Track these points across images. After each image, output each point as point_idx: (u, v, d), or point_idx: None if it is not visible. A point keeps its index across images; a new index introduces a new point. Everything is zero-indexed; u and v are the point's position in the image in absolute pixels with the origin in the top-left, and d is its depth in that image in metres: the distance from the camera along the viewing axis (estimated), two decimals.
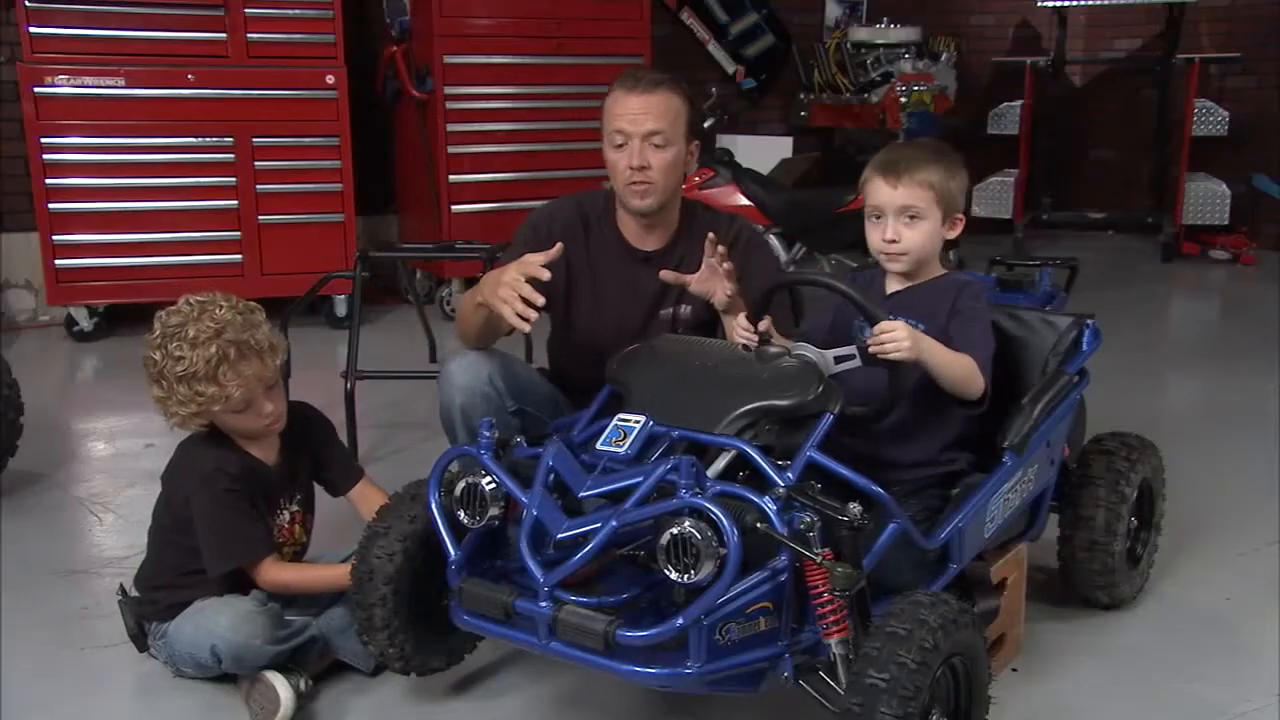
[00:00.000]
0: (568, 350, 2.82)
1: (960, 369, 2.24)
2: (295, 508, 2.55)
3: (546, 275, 2.41)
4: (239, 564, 2.38)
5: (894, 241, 2.32)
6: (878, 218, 2.35)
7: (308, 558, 2.61)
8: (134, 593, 2.52)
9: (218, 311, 2.36)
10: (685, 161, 2.69)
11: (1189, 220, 7.43)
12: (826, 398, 2.08)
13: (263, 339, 2.39)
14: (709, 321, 2.81)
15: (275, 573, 2.40)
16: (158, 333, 2.37)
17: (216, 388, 2.32)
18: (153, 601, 2.46)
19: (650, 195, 2.64)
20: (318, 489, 2.66)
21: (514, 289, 2.38)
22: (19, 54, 5.24)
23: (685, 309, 2.76)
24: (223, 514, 2.37)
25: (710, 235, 2.49)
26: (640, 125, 2.61)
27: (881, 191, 2.33)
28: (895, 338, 2.09)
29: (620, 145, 2.63)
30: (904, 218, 2.32)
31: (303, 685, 2.32)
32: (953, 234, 2.36)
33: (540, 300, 2.39)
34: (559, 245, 2.50)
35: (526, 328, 2.41)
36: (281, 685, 2.27)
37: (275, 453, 2.50)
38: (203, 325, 2.33)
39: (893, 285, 2.41)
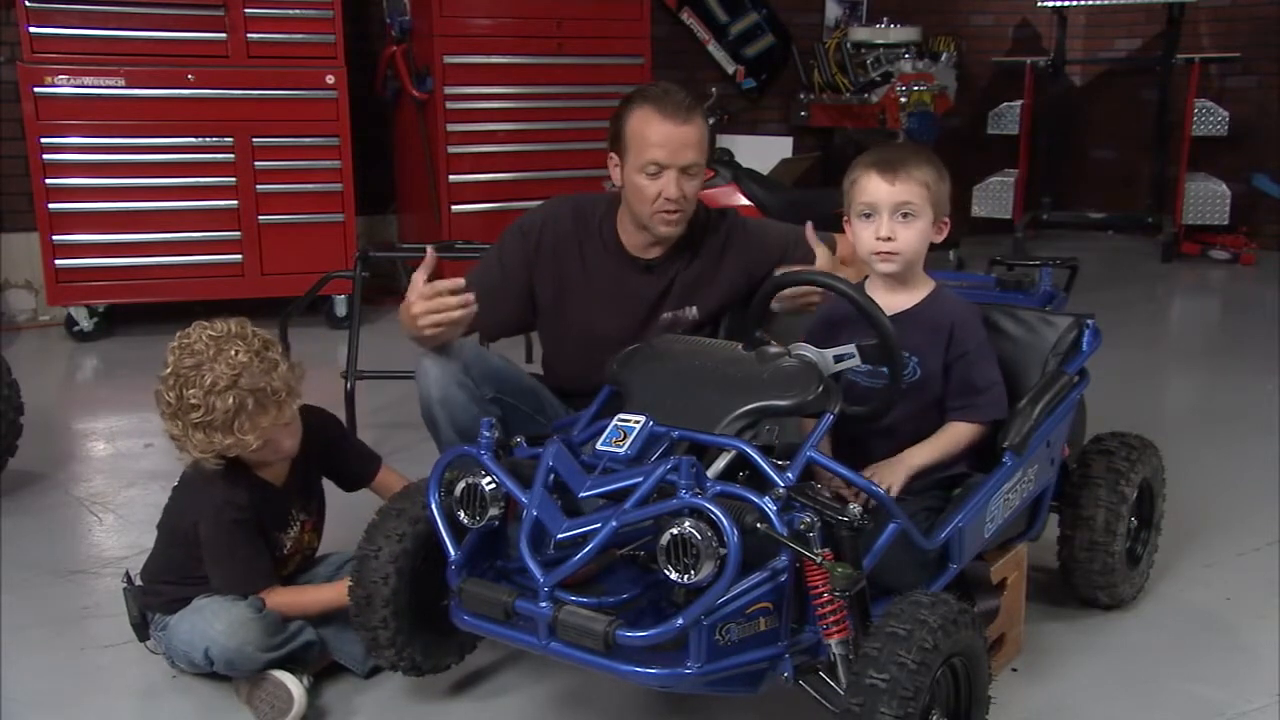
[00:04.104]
0: (568, 359, 2.81)
1: (951, 449, 2.30)
2: (305, 516, 2.55)
3: (460, 285, 2.44)
4: (243, 594, 2.37)
5: (889, 239, 2.28)
6: (868, 215, 2.30)
7: (316, 558, 2.62)
8: (139, 582, 2.52)
9: (233, 353, 2.28)
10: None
11: (1189, 220, 7.43)
12: (826, 398, 2.08)
13: (280, 384, 2.32)
14: (709, 325, 2.82)
15: (273, 601, 2.39)
16: (170, 370, 2.31)
17: (233, 438, 2.29)
18: (157, 593, 2.46)
19: (682, 222, 2.65)
20: (329, 486, 2.65)
21: (432, 309, 2.42)
22: (19, 54, 5.24)
23: (691, 310, 2.75)
24: (231, 549, 2.37)
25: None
26: (679, 159, 2.57)
27: (877, 188, 2.28)
28: (890, 488, 2.12)
29: (655, 175, 2.59)
30: (899, 215, 2.28)
31: (304, 683, 2.32)
32: (939, 238, 2.34)
33: (460, 288, 2.42)
34: (431, 254, 2.53)
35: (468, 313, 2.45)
36: (293, 684, 2.27)
37: (285, 471, 2.49)
38: (219, 371, 2.26)
39: (877, 293, 2.33)
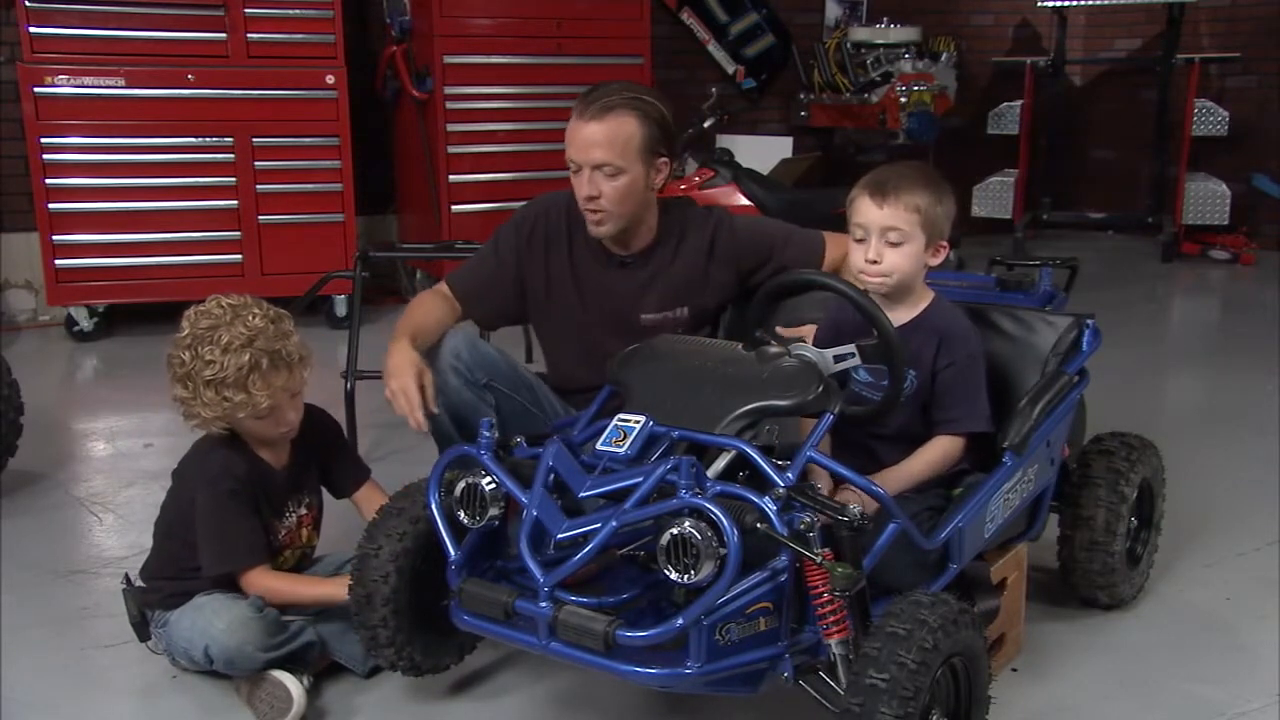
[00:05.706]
0: (561, 355, 2.83)
1: (936, 467, 2.29)
2: (303, 510, 2.55)
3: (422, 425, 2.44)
4: (233, 569, 2.38)
5: (875, 262, 2.29)
6: (860, 238, 2.32)
7: (315, 557, 2.62)
8: (139, 583, 2.52)
9: (251, 318, 2.35)
10: (648, 182, 2.63)
11: (1189, 220, 7.43)
12: (826, 398, 2.08)
13: (294, 349, 2.39)
14: (708, 325, 2.81)
15: (264, 581, 2.39)
16: (186, 333, 2.36)
17: (245, 395, 2.32)
18: (156, 590, 2.47)
19: (605, 223, 2.63)
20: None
21: (400, 404, 2.43)
22: (19, 54, 5.24)
23: (681, 311, 2.75)
24: (223, 518, 2.37)
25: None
26: (588, 156, 2.56)
27: (868, 211, 2.30)
28: (866, 510, 2.03)
29: (575, 173, 2.61)
30: (887, 239, 2.28)
31: (304, 683, 2.32)
32: (935, 261, 2.34)
33: (434, 410, 2.45)
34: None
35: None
36: (292, 683, 2.27)
37: (285, 456, 2.51)
38: (236, 331, 2.32)
39: None
